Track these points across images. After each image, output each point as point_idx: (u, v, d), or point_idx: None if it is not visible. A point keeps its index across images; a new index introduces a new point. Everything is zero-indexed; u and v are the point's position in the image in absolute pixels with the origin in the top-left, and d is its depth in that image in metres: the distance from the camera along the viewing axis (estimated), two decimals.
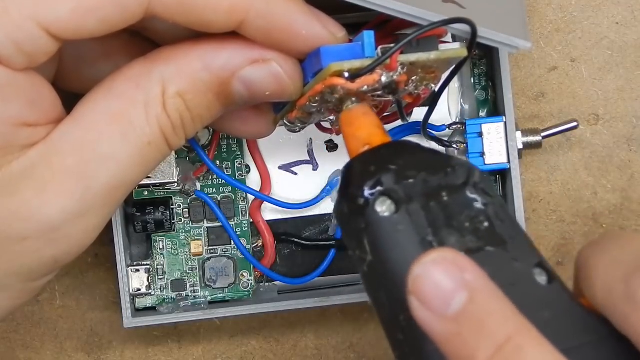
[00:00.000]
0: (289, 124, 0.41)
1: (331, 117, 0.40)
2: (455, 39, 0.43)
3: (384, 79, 0.35)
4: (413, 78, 0.37)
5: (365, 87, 0.36)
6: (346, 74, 0.35)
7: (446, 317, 0.30)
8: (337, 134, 0.42)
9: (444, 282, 0.31)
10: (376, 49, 0.36)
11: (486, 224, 0.34)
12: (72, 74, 0.39)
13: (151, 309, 0.49)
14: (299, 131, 0.42)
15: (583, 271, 0.35)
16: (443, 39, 0.39)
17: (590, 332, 0.33)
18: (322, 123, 0.41)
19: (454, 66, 0.39)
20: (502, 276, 0.32)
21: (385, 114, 0.42)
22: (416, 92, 0.38)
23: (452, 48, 0.38)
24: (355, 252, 0.34)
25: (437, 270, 0.31)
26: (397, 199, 0.33)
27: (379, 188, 0.33)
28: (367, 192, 0.33)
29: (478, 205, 0.34)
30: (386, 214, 0.33)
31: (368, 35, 0.36)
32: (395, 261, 0.33)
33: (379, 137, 0.36)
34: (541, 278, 0.34)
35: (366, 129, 0.36)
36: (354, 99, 0.37)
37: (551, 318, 0.32)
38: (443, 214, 0.34)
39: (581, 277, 0.35)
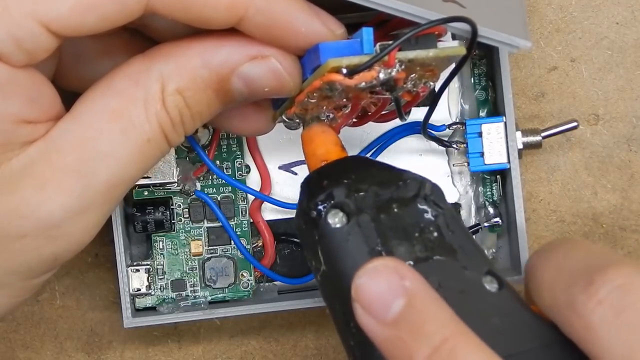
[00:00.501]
0: (287, 120, 0.41)
1: (329, 114, 0.40)
2: (455, 38, 0.43)
3: (381, 75, 0.36)
4: (411, 76, 0.37)
5: (363, 84, 0.36)
6: (344, 70, 0.35)
7: (386, 321, 0.32)
8: (337, 133, 0.42)
9: (383, 289, 0.32)
10: (375, 46, 0.36)
11: (435, 234, 0.35)
12: (71, 72, 0.40)
13: (151, 309, 0.49)
14: (298, 128, 0.42)
15: (531, 280, 0.36)
16: (442, 39, 0.39)
17: (538, 337, 0.34)
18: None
19: (454, 66, 0.39)
20: (452, 284, 0.34)
21: (383, 112, 0.42)
22: (414, 90, 0.38)
23: (450, 46, 0.38)
24: (312, 263, 0.36)
25: (377, 278, 0.32)
26: (348, 211, 0.35)
27: (330, 201, 0.35)
28: (319, 205, 0.35)
29: (428, 216, 0.36)
30: (337, 226, 0.35)
31: (367, 32, 0.36)
32: (345, 270, 0.34)
33: (335, 153, 0.38)
34: (491, 285, 0.35)
35: (324, 146, 0.38)
36: (314, 119, 0.39)
37: (500, 324, 0.34)
38: (393, 225, 0.35)
39: (529, 286, 0.36)
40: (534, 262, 0.36)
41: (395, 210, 0.35)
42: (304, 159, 0.49)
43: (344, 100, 0.38)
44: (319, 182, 0.36)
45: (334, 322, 0.36)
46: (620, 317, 0.32)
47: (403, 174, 0.36)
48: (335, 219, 0.35)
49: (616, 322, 0.32)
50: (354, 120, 0.41)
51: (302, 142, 0.39)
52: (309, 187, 0.36)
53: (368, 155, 0.49)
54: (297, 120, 0.40)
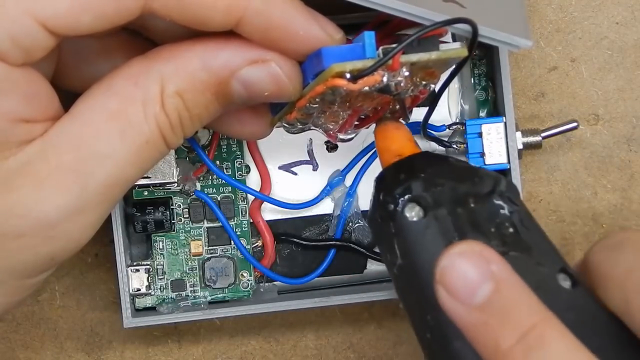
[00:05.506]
0: (287, 126, 0.40)
1: (330, 125, 0.40)
2: (455, 38, 0.43)
3: (385, 79, 0.36)
4: (413, 79, 0.37)
5: (366, 88, 0.36)
6: (348, 75, 0.35)
7: (473, 306, 0.32)
8: (336, 141, 0.42)
9: (470, 272, 0.32)
10: (377, 49, 0.36)
11: (511, 229, 0.35)
12: (71, 72, 0.40)
13: (151, 309, 0.49)
14: (298, 132, 0.41)
15: (597, 276, 0.35)
16: (442, 39, 0.39)
17: (613, 335, 0.34)
18: (313, 129, 0.41)
19: (454, 66, 0.39)
20: (527, 279, 0.33)
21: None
22: (415, 91, 0.38)
23: (452, 48, 0.37)
24: (387, 256, 0.36)
25: (463, 261, 0.32)
26: (425, 205, 0.35)
27: (408, 195, 0.35)
28: (397, 199, 0.35)
29: (504, 212, 0.36)
30: (415, 219, 0.35)
31: (369, 36, 0.36)
32: (423, 262, 0.34)
33: (409, 148, 0.38)
34: (565, 282, 0.35)
35: (398, 142, 0.38)
36: (389, 114, 0.39)
37: (575, 319, 0.33)
38: (469, 220, 0.35)
39: (595, 281, 0.35)
40: (599, 257, 0.36)
41: (472, 205, 0.35)
42: (304, 159, 0.50)
43: (347, 104, 0.38)
44: (396, 176, 0.36)
45: (409, 315, 0.36)
46: None
47: (478, 170, 0.37)
48: (412, 213, 0.35)
49: None
50: (356, 122, 0.41)
51: (376, 138, 0.39)
52: (385, 181, 0.37)
53: (368, 155, 0.49)
54: (299, 125, 0.40)
